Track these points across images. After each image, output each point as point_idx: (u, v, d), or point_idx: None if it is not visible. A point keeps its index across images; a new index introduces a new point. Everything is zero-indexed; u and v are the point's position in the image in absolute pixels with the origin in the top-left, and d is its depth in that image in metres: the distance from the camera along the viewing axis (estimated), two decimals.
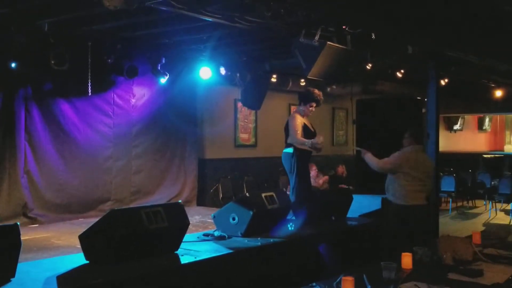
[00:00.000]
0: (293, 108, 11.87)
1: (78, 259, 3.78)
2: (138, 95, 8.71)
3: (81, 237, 3.80)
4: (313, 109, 5.97)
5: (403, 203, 5.08)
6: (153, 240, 3.88)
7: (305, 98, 5.97)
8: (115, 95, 8.38)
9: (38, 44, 6.56)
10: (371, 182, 6.78)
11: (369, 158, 5.31)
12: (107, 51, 7.34)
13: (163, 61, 7.97)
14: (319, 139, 5.67)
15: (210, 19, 5.44)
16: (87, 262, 3.74)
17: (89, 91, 7.43)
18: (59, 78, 7.18)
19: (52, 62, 6.55)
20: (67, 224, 7.31)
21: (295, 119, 5.81)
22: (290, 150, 5.80)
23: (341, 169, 10.08)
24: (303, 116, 5.93)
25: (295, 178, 5.81)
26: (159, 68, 7.98)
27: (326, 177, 9.51)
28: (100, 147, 8.21)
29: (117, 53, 7.39)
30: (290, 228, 4.81)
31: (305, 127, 5.86)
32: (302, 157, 5.82)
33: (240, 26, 5.64)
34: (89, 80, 7.33)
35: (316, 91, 6.00)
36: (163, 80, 8.20)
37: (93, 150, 8.10)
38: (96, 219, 3.87)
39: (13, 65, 6.57)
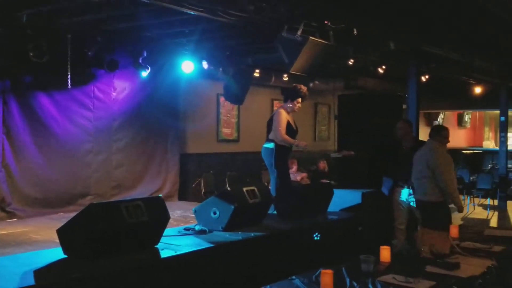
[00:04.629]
0: (276, 103, 11.91)
1: (56, 253, 3.73)
2: (119, 88, 8.63)
3: (59, 232, 3.74)
4: (300, 106, 5.96)
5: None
6: (133, 234, 3.85)
7: (292, 95, 5.94)
8: (95, 88, 8.29)
9: (16, 36, 6.44)
10: (352, 177, 6.83)
11: None
12: (87, 43, 7.25)
13: (145, 55, 7.90)
14: (302, 144, 5.83)
15: (192, 12, 5.40)
16: (66, 256, 3.69)
17: (69, 84, 7.34)
18: (38, 71, 7.08)
19: (31, 54, 6.44)
20: (46, 218, 7.24)
21: (280, 115, 5.77)
22: (270, 145, 5.79)
23: (323, 165, 10.12)
24: (289, 112, 5.92)
25: (276, 173, 5.81)
26: (140, 61, 7.90)
27: (305, 174, 9.56)
28: (80, 141, 8.12)
29: (97, 45, 7.31)
30: (315, 238, 4.82)
31: (288, 124, 5.85)
32: (283, 153, 5.83)
33: (222, 20, 5.61)
34: (69, 73, 7.24)
35: (303, 87, 5.99)
36: (144, 74, 8.13)
37: (73, 144, 8.01)
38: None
39: None
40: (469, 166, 12.89)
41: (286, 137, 5.73)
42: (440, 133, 5.49)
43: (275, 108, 11.67)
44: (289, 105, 5.89)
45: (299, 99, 5.90)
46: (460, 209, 5.54)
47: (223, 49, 8.36)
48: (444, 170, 5.31)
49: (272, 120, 5.84)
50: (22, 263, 3.54)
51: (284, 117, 5.78)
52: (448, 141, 5.55)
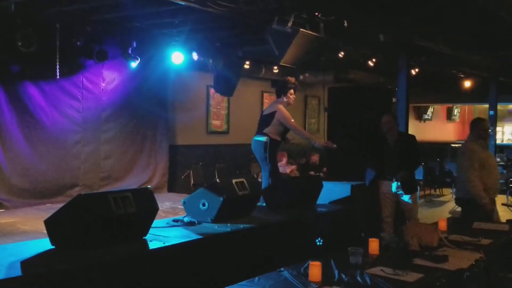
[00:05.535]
0: (266, 95, 11.88)
1: (44, 244, 3.70)
2: (108, 79, 8.56)
3: (47, 222, 3.71)
4: (294, 97, 5.92)
5: None
6: (121, 225, 3.83)
7: (283, 88, 5.90)
8: (84, 79, 8.22)
9: (4, 26, 6.36)
10: (343, 170, 6.85)
11: None
12: (76, 33, 7.19)
13: (134, 45, 7.85)
14: (317, 141, 5.79)
15: (182, 3, 5.36)
16: (53, 247, 3.67)
17: (57, 74, 7.27)
18: (26, 61, 6.97)
19: (19, 44, 6.36)
20: (34, 209, 7.18)
21: (283, 111, 5.70)
22: (263, 138, 5.75)
23: (315, 158, 10.14)
24: (285, 107, 5.88)
25: (269, 166, 5.79)
26: (130, 52, 7.84)
27: (294, 167, 9.59)
28: (68, 132, 8.06)
29: (86, 35, 7.24)
30: (318, 243, 4.78)
31: None
32: (274, 146, 5.82)
33: (212, 11, 5.57)
34: (57, 63, 7.17)
35: (289, 78, 5.95)
36: (134, 64, 8.07)
37: (61, 134, 7.95)
38: None
39: None
40: (457, 160, 12.96)
41: (303, 130, 5.71)
42: (474, 125, 5.41)
43: (265, 100, 11.70)
44: (284, 99, 5.85)
45: (291, 91, 5.87)
46: (484, 208, 5.12)
47: (213, 41, 8.32)
48: (466, 167, 5.22)
49: (270, 116, 5.74)
50: (9, 254, 3.51)
51: (287, 112, 5.73)
52: (485, 133, 5.33)
